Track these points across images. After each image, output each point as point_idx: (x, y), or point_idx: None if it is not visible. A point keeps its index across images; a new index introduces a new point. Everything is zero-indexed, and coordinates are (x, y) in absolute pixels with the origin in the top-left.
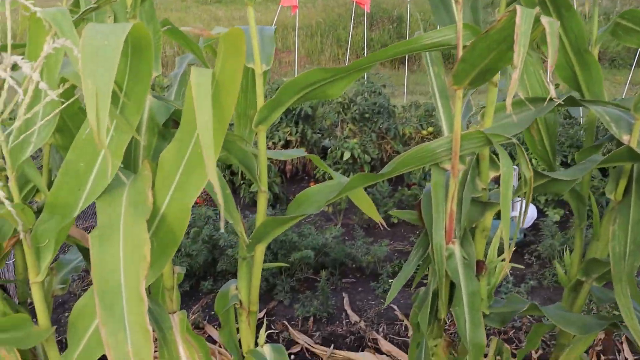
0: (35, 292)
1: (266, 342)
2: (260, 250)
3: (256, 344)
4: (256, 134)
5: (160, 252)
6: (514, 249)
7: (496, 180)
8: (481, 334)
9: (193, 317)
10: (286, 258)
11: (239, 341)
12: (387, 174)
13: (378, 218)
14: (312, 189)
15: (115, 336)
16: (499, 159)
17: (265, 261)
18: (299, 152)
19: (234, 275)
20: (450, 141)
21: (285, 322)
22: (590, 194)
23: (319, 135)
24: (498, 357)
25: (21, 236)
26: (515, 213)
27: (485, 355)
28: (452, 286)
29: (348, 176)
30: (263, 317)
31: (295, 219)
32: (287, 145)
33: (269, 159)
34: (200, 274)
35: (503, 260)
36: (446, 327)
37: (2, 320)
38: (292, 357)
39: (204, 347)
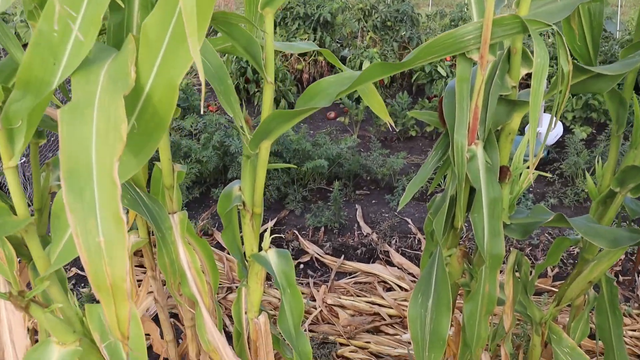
0: (9, 178)
1: (271, 247)
2: (265, 147)
3: (260, 249)
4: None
5: (145, 137)
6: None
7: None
8: (500, 244)
9: (202, 224)
10: (299, 167)
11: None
12: (409, 62)
13: (387, 118)
14: (325, 80)
15: (85, 224)
16: (532, 54)
17: (277, 171)
18: (310, 45)
19: None
20: (480, 27)
21: (296, 232)
22: (634, 95)
23: (338, 44)
24: (516, 270)
25: None
26: (542, 129)
27: (502, 269)
28: (472, 192)
29: None
30: (273, 225)
31: (305, 112)
32: (304, 53)
33: (282, 63)
34: (211, 181)
35: (528, 167)
36: (461, 237)
37: None
38: (302, 266)
39: (207, 250)
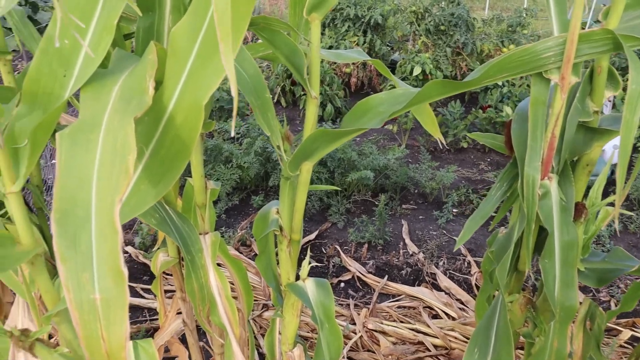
0: (13, 204)
1: (309, 275)
2: (306, 169)
3: (297, 277)
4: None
5: (166, 165)
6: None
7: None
8: (573, 296)
9: (240, 234)
10: (343, 177)
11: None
12: (475, 81)
13: (438, 134)
14: (375, 97)
15: (78, 277)
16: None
17: (320, 180)
18: (360, 54)
19: None
20: (563, 42)
21: (337, 247)
22: None
23: (389, 48)
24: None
25: None
26: (608, 146)
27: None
28: (540, 232)
29: None
30: (314, 238)
31: (351, 133)
32: None
33: (330, 66)
34: (252, 188)
35: (608, 204)
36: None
37: None
38: (342, 285)
39: (242, 271)
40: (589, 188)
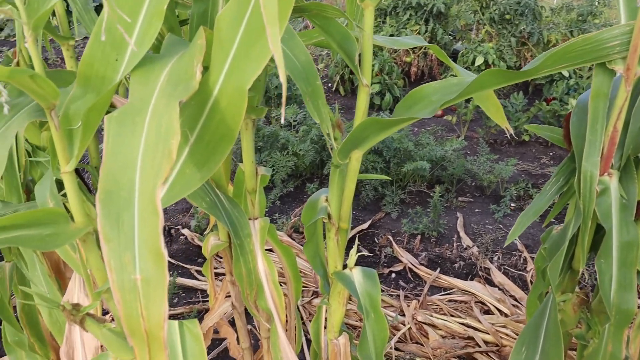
0: (67, 184)
1: (356, 264)
2: (356, 157)
3: (345, 266)
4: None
5: (211, 149)
6: None
7: None
8: (632, 299)
9: (294, 220)
10: (399, 168)
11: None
12: (533, 71)
13: (505, 124)
14: (428, 86)
15: (120, 257)
16: None
17: (375, 169)
18: (418, 40)
19: None
20: (630, 31)
21: (390, 237)
22: None
23: (451, 37)
24: None
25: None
26: None
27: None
28: (597, 230)
29: None
30: (367, 228)
31: (401, 122)
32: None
33: (390, 55)
34: (307, 175)
35: None
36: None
37: (27, 214)
38: (393, 275)
39: (291, 258)
40: None
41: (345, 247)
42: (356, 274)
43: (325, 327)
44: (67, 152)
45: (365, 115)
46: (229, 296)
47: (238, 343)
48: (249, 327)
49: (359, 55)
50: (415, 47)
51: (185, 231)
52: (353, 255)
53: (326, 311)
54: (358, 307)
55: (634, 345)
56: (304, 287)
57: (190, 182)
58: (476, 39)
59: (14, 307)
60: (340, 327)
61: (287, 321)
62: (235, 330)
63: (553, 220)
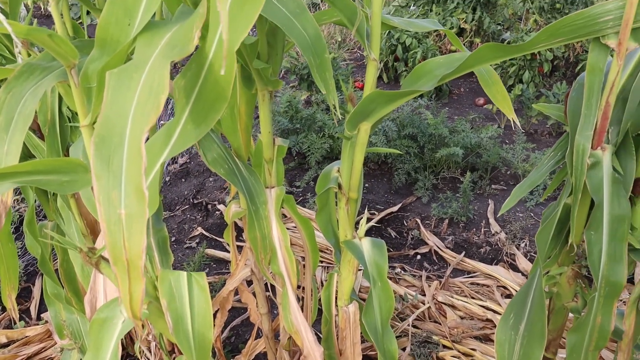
0: (85, 136)
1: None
2: (364, 129)
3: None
4: None
5: (208, 108)
6: None
7: None
8: (621, 271)
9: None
10: (433, 153)
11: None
12: (527, 45)
13: (512, 114)
14: (433, 61)
15: (108, 193)
16: None
17: (409, 154)
18: (434, 24)
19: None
20: (623, 6)
21: (418, 221)
22: None
23: (499, 26)
24: None
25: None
26: None
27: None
28: (594, 205)
29: (522, 75)
30: (397, 211)
31: (406, 95)
32: (461, 33)
33: (435, 43)
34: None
35: None
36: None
37: (48, 161)
38: (418, 257)
39: (309, 229)
40: None
41: (355, 217)
42: (365, 244)
43: (336, 296)
44: (86, 108)
45: (373, 88)
46: (249, 264)
47: (258, 309)
48: (268, 294)
49: (368, 31)
50: (462, 36)
51: (221, 207)
52: (363, 224)
53: (337, 280)
54: (365, 275)
55: (627, 321)
56: (327, 263)
57: (189, 137)
58: (524, 28)
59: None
60: (350, 295)
61: (303, 289)
62: (255, 297)
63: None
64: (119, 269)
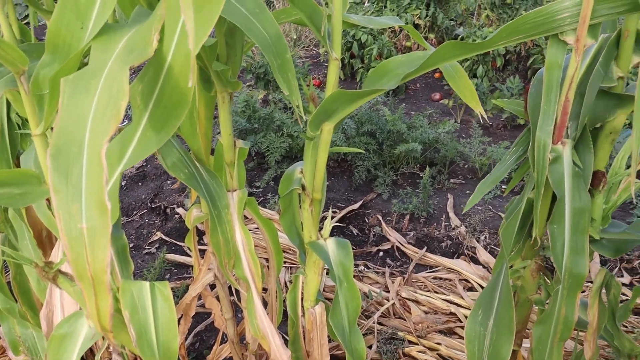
0: (37, 146)
1: (332, 235)
2: (327, 129)
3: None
4: None
5: (168, 113)
6: None
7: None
8: (582, 263)
9: None
10: (392, 150)
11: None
12: (488, 43)
13: (479, 108)
14: (396, 59)
15: (68, 208)
16: None
17: (369, 150)
18: (394, 21)
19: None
20: (580, 3)
21: (380, 217)
22: None
23: (452, 22)
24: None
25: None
26: None
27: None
28: (555, 199)
29: (476, 70)
30: (358, 208)
31: (368, 94)
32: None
33: (390, 39)
34: (301, 157)
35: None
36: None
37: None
38: (381, 254)
39: (272, 231)
40: None
41: (319, 218)
42: (330, 244)
43: (302, 297)
44: (37, 116)
45: (335, 88)
46: (212, 268)
47: (222, 314)
48: (233, 298)
49: (329, 30)
50: (418, 31)
51: (180, 210)
52: (327, 225)
53: (303, 281)
54: (331, 276)
55: (592, 311)
56: (291, 264)
57: (149, 145)
58: (477, 23)
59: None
60: (316, 297)
61: (267, 291)
62: (219, 301)
63: (507, 189)
64: (85, 285)
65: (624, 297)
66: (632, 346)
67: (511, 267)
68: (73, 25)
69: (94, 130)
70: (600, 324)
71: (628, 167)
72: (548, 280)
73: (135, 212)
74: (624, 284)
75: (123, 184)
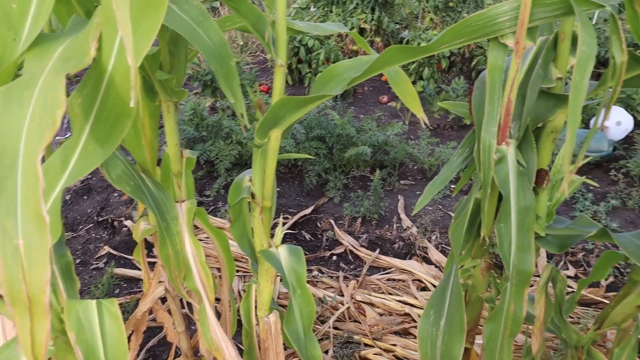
0: None
1: (284, 242)
2: (275, 137)
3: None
4: None
5: (111, 125)
6: (599, 162)
7: None
8: (529, 260)
9: None
10: (342, 153)
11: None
12: (432, 47)
13: (421, 113)
14: (342, 64)
15: (2, 223)
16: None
17: (319, 155)
18: (339, 27)
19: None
20: (518, 7)
21: (332, 221)
22: None
23: (398, 25)
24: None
25: None
26: (609, 122)
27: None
28: (501, 198)
29: (422, 72)
30: (310, 213)
31: (315, 100)
32: (361, 33)
33: (337, 44)
34: (251, 164)
35: (577, 173)
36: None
37: None
38: (334, 258)
39: (223, 240)
40: None
41: (270, 226)
42: (282, 252)
43: (256, 307)
44: None
45: (281, 94)
46: (162, 281)
47: (174, 328)
48: (185, 311)
49: (273, 36)
50: (363, 36)
51: (128, 223)
52: (279, 233)
53: (255, 290)
54: (284, 283)
55: (539, 306)
56: (244, 272)
57: (93, 159)
58: (421, 26)
59: None
60: (270, 305)
61: (220, 301)
62: (171, 315)
63: (455, 190)
64: (18, 309)
65: (570, 290)
66: (579, 337)
67: (462, 266)
68: (5, 36)
69: (29, 140)
70: (547, 317)
71: (604, 175)
72: (498, 278)
73: (81, 227)
74: (569, 277)
75: (67, 198)
